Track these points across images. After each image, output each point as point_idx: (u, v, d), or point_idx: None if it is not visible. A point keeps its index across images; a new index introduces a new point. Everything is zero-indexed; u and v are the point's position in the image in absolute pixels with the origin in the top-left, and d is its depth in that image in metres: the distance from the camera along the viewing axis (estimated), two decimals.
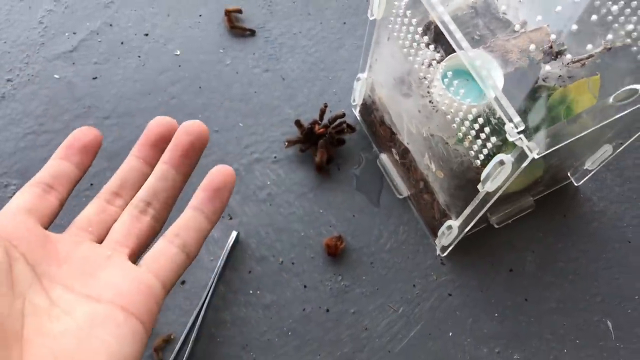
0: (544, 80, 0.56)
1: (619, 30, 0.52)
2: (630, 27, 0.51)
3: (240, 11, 0.74)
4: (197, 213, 0.34)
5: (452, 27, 0.44)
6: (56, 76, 0.71)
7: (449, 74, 0.49)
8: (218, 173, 0.35)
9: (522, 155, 0.43)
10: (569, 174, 0.68)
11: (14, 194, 0.33)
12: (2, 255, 0.29)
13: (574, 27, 0.50)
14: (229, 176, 0.35)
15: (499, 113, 0.43)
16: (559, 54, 0.55)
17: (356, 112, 0.70)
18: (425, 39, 0.51)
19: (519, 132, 0.42)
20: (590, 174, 0.66)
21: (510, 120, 0.42)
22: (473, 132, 0.48)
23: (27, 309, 0.28)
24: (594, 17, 0.51)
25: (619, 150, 0.61)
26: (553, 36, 0.52)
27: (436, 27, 0.53)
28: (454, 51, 0.52)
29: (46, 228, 0.32)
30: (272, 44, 0.74)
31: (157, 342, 0.59)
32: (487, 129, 0.46)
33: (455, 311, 0.62)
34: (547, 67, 0.55)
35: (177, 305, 0.61)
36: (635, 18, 0.51)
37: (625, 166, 0.69)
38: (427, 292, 0.63)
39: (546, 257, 0.65)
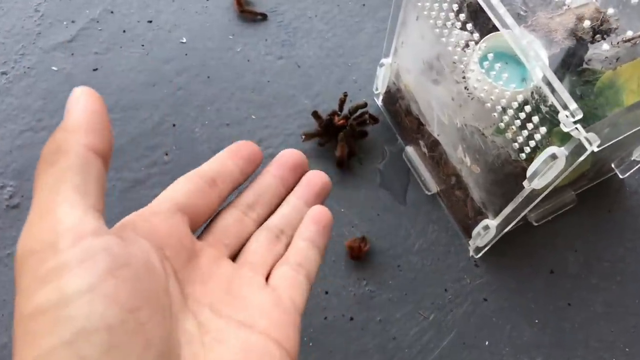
0: (586, 63, 0.50)
1: None
2: None
3: None
4: (312, 245, 0.33)
5: (495, 1, 0.39)
6: (54, 68, 0.66)
7: (490, 56, 0.43)
8: (322, 210, 0.35)
9: (578, 148, 0.37)
10: (613, 166, 0.62)
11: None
12: (160, 270, 0.26)
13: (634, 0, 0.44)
14: (328, 215, 0.35)
15: (551, 99, 0.37)
16: (610, 32, 0.49)
17: (379, 102, 0.64)
18: (461, 17, 0.45)
19: (575, 122, 0.36)
20: (638, 166, 0.60)
21: (565, 107, 0.36)
22: (518, 122, 0.42)
23: (181, 334, 0.26)
24: None
25: None
26: (605, 11, 0.46)
27: (469, 5, 0.47)
28: (490, 32, 0.47)
29: (194, 231, 0.30)
30: (285, 29, 0.68)
31: None
32: (535, 118, 0.40)
33: (491, 317, 0.57)
34: (593, 49, 0.49)
35: None
36: None
37: None
38: (460, 297, 0.58)
39: (590, 256, 0.59)
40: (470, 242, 0.57)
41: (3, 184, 0.60)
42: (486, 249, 0.56)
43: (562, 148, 0.38)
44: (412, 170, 0.62)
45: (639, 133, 0.54)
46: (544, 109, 0.39)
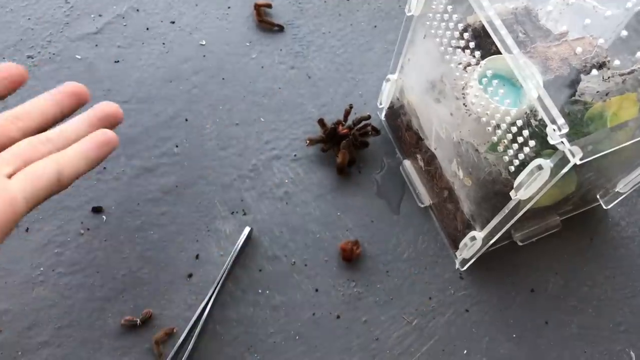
0: (579, 96, 0.54)
1: None
2: None
3: (270, 6, 0.73)
4: (79, 151, 0.42)
5: (498, 23, 0.42)
6: (78, 56, 0.69)
7: (489, 72, 0.47)
8: (104, 132, 0.44)
9: (562, 160, 0.40)
10: (597, 197, 0.65)
11: None
12: None
13: (624, 33, 0.47)
14: (109, 135, 0.44)
15: (541, 114, 0.41)
16: (602, 65, 0.52)
17: (381, 116, 0.68)
18: (465, 37, 0.49)
19: (561, 135, 0.40)
20: (621, 198, 0.64)
21: (553, 122, 0.40)
22: (510, 136, 0.46)
23: None
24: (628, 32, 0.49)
25: None
26: (599, 43, 0.50)
27: (474, 30, 0.51)
28: (491, 55, 0.50)
29: None
30: (300, 42, 0.72)
31: (158, 335, 0.57)
32: (525, 132, 0.44)
33: (471, 328, 0.60)
34: (586, 82, 0.53)
35: (182, 299, 0.59)
36: None
37: None
38: (443, 306, 0.60)
39: (570, 280, 0.62)
40: (458, 253, 0.60)
41: None
42: (472, 261, 0.59)
43: (548, 160, 0.41)
44: (407, 182, 0.65)
45: (621, 162, 0.57)
46: (534, 123, 0.42)
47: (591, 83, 0.53)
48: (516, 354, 0.59)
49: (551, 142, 0.40)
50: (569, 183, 0.53)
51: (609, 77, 0.53)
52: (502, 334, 0.59)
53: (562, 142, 0.40)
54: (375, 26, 0.74)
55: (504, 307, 0.61)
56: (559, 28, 0.54)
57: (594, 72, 0.51)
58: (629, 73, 0.53)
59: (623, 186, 0.61)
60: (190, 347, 0.56)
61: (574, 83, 0.52)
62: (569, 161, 0.40)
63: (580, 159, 0.39)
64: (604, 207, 0.65)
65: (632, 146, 0.51)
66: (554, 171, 0.41)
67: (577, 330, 0.60)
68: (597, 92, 0.53)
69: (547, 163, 0.41)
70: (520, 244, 0.63)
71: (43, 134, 0.42)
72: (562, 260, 0.63)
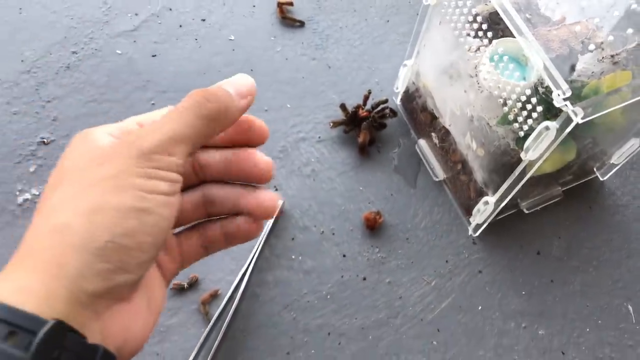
0: (578, 76, 0.60)
1: None
2: None
3: (291, 4, 0.80)
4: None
5: (510, 8, 0.49)
6: (118, 52, 0.76)
7: (500, 50, 0.54)
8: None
9: (567, 121, 0.47)
10: (594, 169, 0.72)
11: None
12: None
13: (616, 13, 0.54)
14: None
15: (547, 82, 0.47)
16: (597, 45, 0.59)
17: (397, 100, 0.75)
18: (475, 25, 0.56)
19: (565, 99, 0.46)
20: (616, 169, 0.70)
21: (558, 87, 0.46)
22: (519, 104, 0.52)
23: None
24: (620, 15, 0.56)
25: None
26: (594, 22, 0.57)
27: (483, 17, 0.58)
28: (499, 38, 0.57)
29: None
30: (319, 35, 0.79)
31: (204, 296, 0.63)
32: (533, 100, 0.50)
33: (484, 287, 0.66)
34: (582, 63, 0.60)
35: (224, 265, 0.65)
36: None
37: None
38: (458, 268, 0.67)
39: (572, 243, 0.69)
40: (472, 219, 0.66)
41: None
42: (484, 226, 0.66)
43: (554, 122, 0.48)
44: (422, 159, 0.72)
45: (615, 133, 0.64)
46: (541, 90, 0.49)
47: (587, 64, 0.60)
48: (526, 308, 0.65)
49: (556, 104, 0.47)
50: (569, 150, 0.60)
51: (603, 58, 0.60)
52: (513, 292, 0.66)
53: (566, 104, 0.46)
54: (387, 21, 0.81)
55: (514, 267, 0.67)
56: (557, 16, 0.61)
57: (589, 54, 0.58)
58: (619, 53, 0.60)
59: (617, 158, 0.68)
60: (233, 306, 0.62)
61: (574, 62, 0.59)
62: (572, 121, 0.46)
63: (582, 118, 0.46)
64: (601, 178, 0.72)
65: (625, 115, 0.58)
66: (559, 131, 0.48)
67: (579, 287, 0.67)
68: (593, 72, 0.60)
69: (553, 124, 0.48)
70: (526, 211, 0.69)
71: None
72: (565, 226, 0.70)
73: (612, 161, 0.69)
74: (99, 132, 0.34)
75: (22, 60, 0.74)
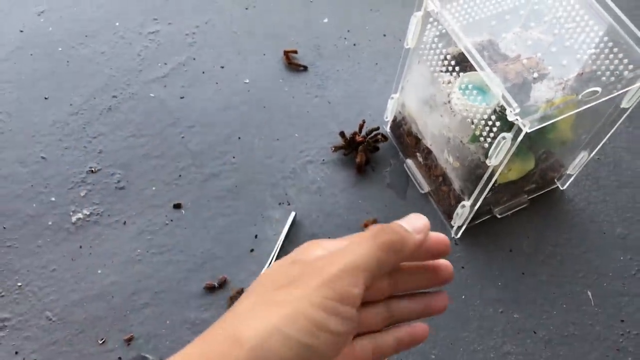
0: (533, 102, 0.75)
1: (587, 58, 0.72)
2: (595, 53, 0.70)
3: (295, 52, 0.95)
4: (398, 339, 0.38)
5: (473, 51, 0.64)
6: (151, 95, 0.90)
7: (467, 82, 0.69)
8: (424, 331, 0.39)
9: (518, 131, 0.61)
10: (555, 180, 0.86)
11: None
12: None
13: (564, 62, 0.69)
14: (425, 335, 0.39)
15: (502, 102, 0.62)
16: (545, 76, 0.74)
17: (387, 128, 0.89)
18: (446, 63, 0.71)
19: (515, 114, 0.60)
20: (572, 178, 0.84)
21: (510, 105, 0.60)
22: (483, 122, 0.67)
23: None
24: (562, 51, 0.71)
25: (592, 155, 0.79)
26: (538, 57, 0.71)
27: (453, 57, 0.73)
28: (467, 72, 0.72)
29: None
30: (320, 77, 0.94)
31: (232, 294, 0.75)
32: (493, 117, 0.65)
33: (467, 280, 0.79)
34: (536, 90, 0.74)
35: (248, 268, 0.77)
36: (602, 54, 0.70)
37: (599, 176, 0.88)
38: None
39: (539, 242, 0.82)
40: (453, 222, 0.80)
41: (114, 172, 0.83)
42: (463, 228, 0.79)
43: (509, 133, 0.62)
44: (410, 175, 0.85)
45: (566, 146, 0.78)
46: (498, 109, 0.63)
47: (541, 92, 0.74)
48: (502, 296, 0.78)
49: (509, 119, 0.61)
50: (528, 160, 0.74)
51: (553, 86, 0.74)
52: (491, 283, 0.79)
53: (516, 118, 0.60)
54: (376, 63, 0.96)
55: (490, 263, 0.80)
56: (513, 54, 0.76)
57: (544, 83, 0.72)
58: (566, 81, 0.75)
59: (572, 168, 0.82)
60: None
61: (528, 89, 0.73)
62: (521, 131, 0.60)
63: (529, 128, 0.60)
64: (561, 187, 0.86)
65: (573, 131, 0.72)
66: (513, 139, 0.62)
67: (546, 278, 0.80)
68: (547, 99, 0.75)
69: (508, 135, 0.62)
70: (499, 216, 0.83)
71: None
72: (532, 227, 0.83)
73: (568, 172, 0.83)
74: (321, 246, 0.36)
75: (70, 104, 0.88)
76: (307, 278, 0.32)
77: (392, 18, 1.00)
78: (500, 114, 0.64)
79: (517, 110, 0.60)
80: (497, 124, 0.65)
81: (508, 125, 0.63)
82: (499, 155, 0.64)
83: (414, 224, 0.37)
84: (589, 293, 0.79)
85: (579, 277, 0.80)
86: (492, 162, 0.66)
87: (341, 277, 0.32)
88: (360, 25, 0.99)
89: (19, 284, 0.75)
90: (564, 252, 0.82)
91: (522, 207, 0.84)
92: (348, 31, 0.98)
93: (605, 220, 0.84)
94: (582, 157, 0.80)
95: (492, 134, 0.66)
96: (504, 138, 0.62)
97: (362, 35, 0.98)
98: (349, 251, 0.33)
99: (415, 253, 0.36)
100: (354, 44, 0.97)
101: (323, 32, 0.98)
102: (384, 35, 0.99)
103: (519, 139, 0.61)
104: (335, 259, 0.33)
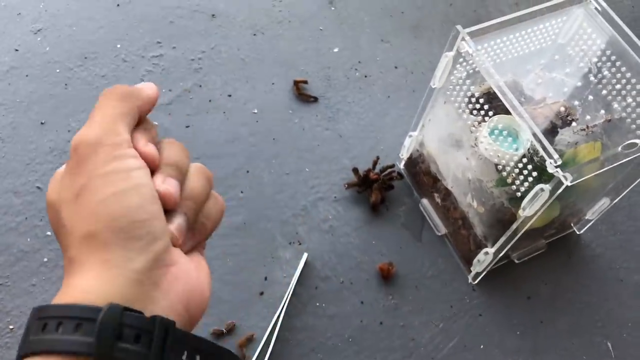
0: (555, 145, 0.73)
1: (616, 105, 0.70)
2: (627, 101, 0.68)
3: (306, 82, 0.91)
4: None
5: (506, 90, 0.61)
6: (155, 123, 0.85)
7: (500, 125, 0.66)
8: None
9: (558, 184, 0.58)
10: (572, 224, 0.83)
11: None
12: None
13: (590, 97, 0.67)
14: None
15: (541, 152, 0.59)
16: (572, 121, 0.72)
17: (401, 165, 0.86)
18: (473, 103, 0.68)
19: (556, 166, 0.58)
20: (590, 223, 0.82)
21: (551, 157, 0.58)
22: (517, 170, 0.64)
23: None
24: (591, 96, 0.69)
25: (614, 202, 0.77)
26: (574, 104, 0.69)
27: (480, 97, 0.70)
28: (496, 114, 0.69)
29: None
30: (331, 109, 0.90)
31: (241, 340, 0.71)
32: (529, 166, 0.62)
33: (485, 328, 0.76)
34: (560, 135, 0.72)
35: (257, 312, 0.73)
36: (630, 95, 0.69)
37: (616, 221, 0.86)
38: (462, 312, 0.76)
39: (556, 288, 0.80)
40: (472, 268, 0.77)
41: None
42: (483, 274, 0.76)
43: (547, 185, 0.59)
44: (426, 216, 0.82)
45: (591, 194, 0.76)
46: (535, 159, 0.61)
47: (564, 136, 0.72)
48: (521, 346, 0.75)
49: (550, 170, 0.58)
50: (554, 208, 0.71)
51: (577, 131, 0.72)
52: (509, 331, 0.76)
53: (557, 170, 0.58)
54: (388, 96, 0.93)
55: (508, 310, 0.77)
56: (538, 95, 0.74)
57: (567, 127, 0.70)
58: (592, 127, 0.73)
59: (591, 214, 0.80)
60: (269, 350, 0.70)
61: (554, 135, 0.71)
62: (562, 184, 0.58)
63: (571, 182, 0.57)
64: (577, 232, 0.84)
65: (598, 179, 0.70)
66: (552, 192, 0.59)
67: (565, 327, 0.77)
68: (568, 142, 0.72)
69: (547, 187, 0.59)
70: (517, 261, 0.80)
71: None
72: (549, 273, 0.81)
73: (587, 217, 0.81)
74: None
75: (68, 130, 0.83)
76: (89, 152, 0.33)
77: (403, 50, 0.98)
78: (538, 163, 0.62)
79: (559, 162, 0.58)
80: (534, 174, 0.62)
81: (545, 176, 0.61)
82: (534, 206, 0.61)
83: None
84: (609, 344, 0.77)
85: (598, 326, 0.78)
86: (526, 212, 0.63)
87: (108, 131, 0.34)
88: (371, 56, 0.96)
89: (11, 326, 0.70)
90: (582, 300, 0.79)
91: (539, 252, 0.81)
92: (359, 62, 0.95)
93: (623, 267, 0.82)
94: (603, 203, 0.78)
95: (526, 184, 0.64)
96: (542, 190, 0.60)
97: (373, 67, 0.95)
98: (98, 114, 0.35)
99: (152, 101, 0.39)
100: (365, 76, 0.94)
101: (333, 62, 0.95)
102: (395, 67, 0.96)
103: (558, 192, 0.59)
104: (94, 124, 0.34)
